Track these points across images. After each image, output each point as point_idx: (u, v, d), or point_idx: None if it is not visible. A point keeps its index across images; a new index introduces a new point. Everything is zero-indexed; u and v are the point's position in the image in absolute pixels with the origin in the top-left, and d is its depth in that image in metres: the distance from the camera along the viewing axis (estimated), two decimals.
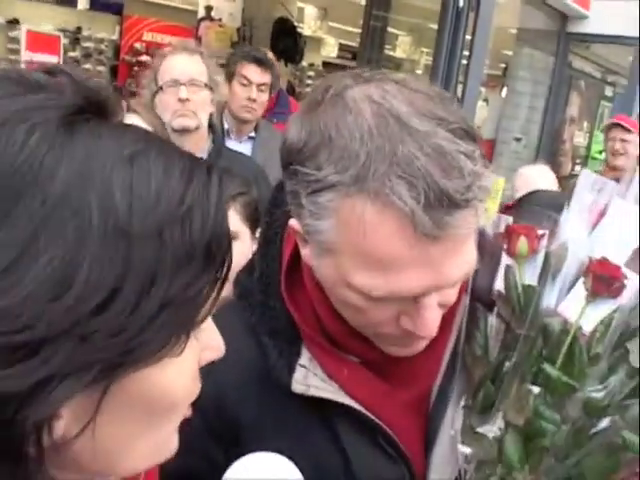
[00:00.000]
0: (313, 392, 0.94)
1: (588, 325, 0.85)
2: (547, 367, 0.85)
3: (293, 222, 0.89)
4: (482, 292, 0.95)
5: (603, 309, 0.84)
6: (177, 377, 0.58)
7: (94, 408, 0.53)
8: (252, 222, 1.83)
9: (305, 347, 0.97)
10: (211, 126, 2.69)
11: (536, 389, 0.87)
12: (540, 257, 0.91)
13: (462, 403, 0.96)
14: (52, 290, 0.49)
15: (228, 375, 0.97)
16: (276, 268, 0.99)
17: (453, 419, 0.96)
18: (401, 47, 11.74)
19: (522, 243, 0.91)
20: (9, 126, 0.51)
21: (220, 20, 8.44)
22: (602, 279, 0.83)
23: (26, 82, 0.55)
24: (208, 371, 1.00)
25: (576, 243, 0.90)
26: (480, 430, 0.91)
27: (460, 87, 5.69)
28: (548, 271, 0.89)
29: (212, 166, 0.59)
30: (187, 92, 2.50)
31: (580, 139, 8.10)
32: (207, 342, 0.63)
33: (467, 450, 0.93)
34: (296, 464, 0.94)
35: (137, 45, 11.96)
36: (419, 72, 11.59)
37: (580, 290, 0.87)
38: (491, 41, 6.01)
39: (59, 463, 0.54)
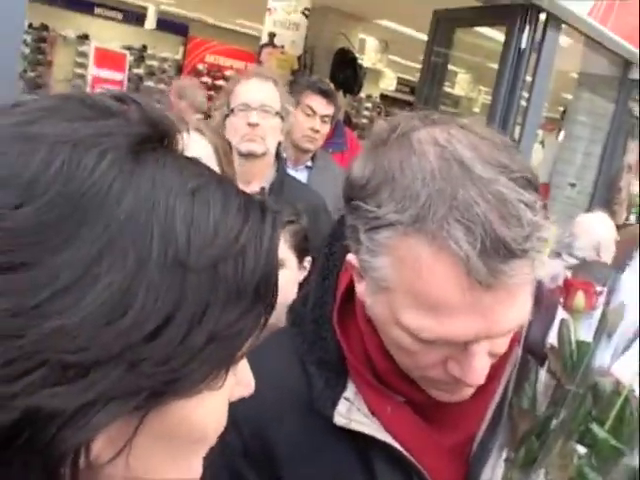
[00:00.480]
0: (354, 426, 0.94)
1: None
2: (595, 427, 0.83)
3: (351, 257, 0.90)
4: (535, 345, 0.94)
5: None
6: (212, 411, 0.59)
7: (130, 434, 0.53)
8: (300, 251, 1.84)
9: (351, 381, 0.97)
10: (278, 154, 2.70)
11: (582, 449, 0.85)
12: (597, 314, 0.89)
13: (504, 455, 0.94)
14: (109, 314, 0.49)
15: (270, 399, 0.98)
16: (330, 300, 1.00)
17: (494, 471, 0.94)
18: (460, 84, 11.72)
19: (579, 298, 0.90)
20: (81, 149, 0.52)
21: (282, 47, 8.54)
22: None
23: (98, 107, 0.56)
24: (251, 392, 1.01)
25: (635, 303, 0.88)
26: None
27: (518, 128, 5.66)
28: (604, 329, 0.88)
29: (266, 206, 0.60)
30: (257, 117, 2.49)
31: (637, 188, 7.96)
32: (240, 378, 0.64)
33: None
34: None
35: (199, 66, 12.25)
36: (476, 110, 11.54)
37: (635, 352, 0.85)
38: (551, 84, 5.97)
39: None
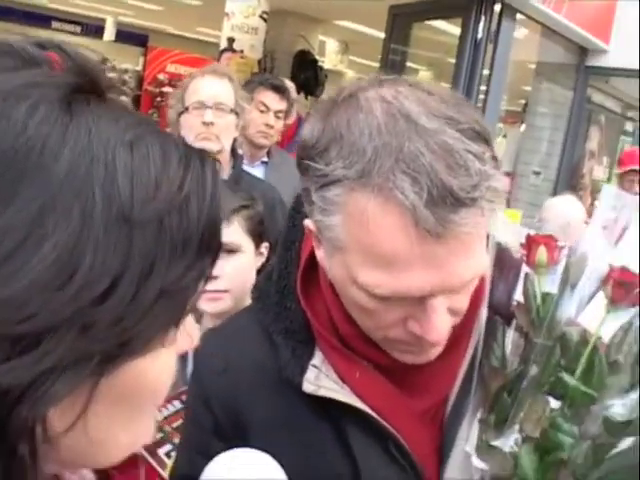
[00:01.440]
0: (323, 392, 0.94)
1: (608, 335, 0.83)
2: (565, 376, 0.83)
3: (308, 221, 0.90)
4: (501, 305, 0.94)
5: (623, 319, 0.83)
6: (165, 367, 0.58)
7: (85, 401, 0.51)
8: (256, 236, 1.82)
9: (318, 349, 0.97)
10: (234, 151, 2.70)
11: (554, 403, 0.85)
12: (560, 268, 0.90)
13: (478, 417, 0.94)
14: (57, 277, 0.47)
15: (241, 375, 0.99)
16: (294, 270, 1.01)
17: (468, 433, 0.94)
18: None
19: (541, 253, 0.90)
20: (10, 102, 0.49)
21: (242, 51, 8.53)
22: (622, 286, 0.82)
23: (20, 55, 0.53)
24: (222, 370, 1.01)
25: (597, 254, 0.89)
26: (495, 444, 0.89)
27: None
28: (567, 281, 0.88)
29: (206, 155, 0.59)
30: (212, 116, 2.51)
31: (600, 173, 8.07)
32: (185, 333, 0.62)
33: (482, 465, 0.91)
34: (304, 467, 0.93)
35: (160, 76, 12.14)
36: None
37: (600, 301, 0.86)
38: (510, 76, 6.02)
39: (48, 457, 0.53)
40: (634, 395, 0.81)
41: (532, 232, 0.95)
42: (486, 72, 5.53)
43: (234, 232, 1.74)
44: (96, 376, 0.51)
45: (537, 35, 6.80)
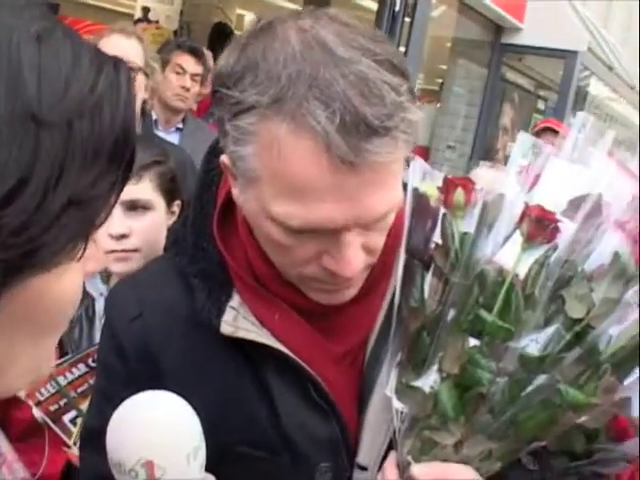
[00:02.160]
0: (242, 334, 0.92)
1: (524, 272, 0.84)
2: (483, 313, 0.84)
3: (223, 157, 0.88)
4: (419, 250, 0.94)
5: (539, 256, 0.84)
6: (70, 285, 0.54)
7: None
8: (167, 192, 1.71)
9: (236, 291, 0.95)
10: (143, 112, 2.62)
11: (473, 340, 0.86)
12: (477, 209, 0.90)
13: (397, 360, 0.94)
14: None
15: (155, 320, 0.96)
16: (210, 212, 0.98)
17: (388, 377, 0.94)
18: None
19: (459, 194, 0.90)
20: None
21: (157, 22, 8.32)
22: (537, 222, 0.83)
23: None
24: (135, 316, 0.98)
25: (512, 196, 0.89)
26: (415, 384, 0.90)
27: None
28: (484, 221, 0.88)
29: (120, 61, 0.55)
30: None
31: (513, 149, 8.28)
32: (92, 252, 0.57)
33: (401, 406, 0.91)
34: (221, 411, 0.91)
35: None
36: None
37: (516, 240, 0.87)
38: (426, 54, 6.09)
39: None
40: (549, 330, 0.82)
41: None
42: (402, 49, 5.56)
43: (144, 189, 1.63)
44: None
45: (454, 12, 6.90)
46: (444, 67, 8.25)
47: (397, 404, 0.91)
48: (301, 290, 0.92)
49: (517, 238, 0.86)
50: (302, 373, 0.93)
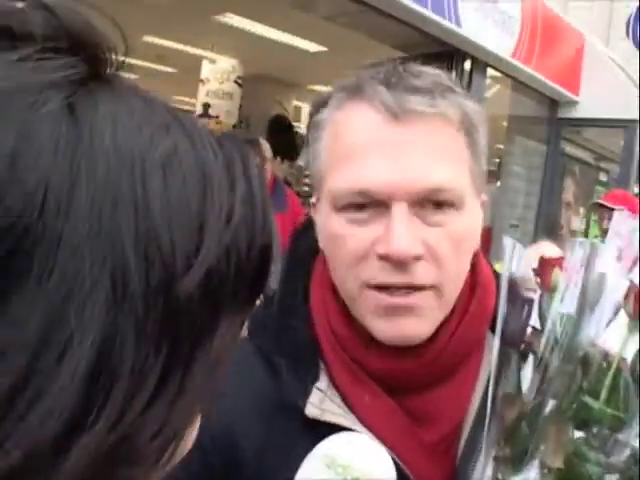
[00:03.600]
0: (328, 417, 0.87)
1: (631, 355, 0.78)
2: (589, 400, 0.78)
3: (312, 199, 0.96)
4: (514, 337, 0.89)
5: None
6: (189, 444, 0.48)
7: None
8: None
9: (324, 372, 0.92)
10: None
11: (578, 434, 0.79)
12: (577, 289, 0.85)
13: (493, 454, 0.87)
14: (83, 410, 0.33)
15: (237, 405, 0.93)
16: (301, 287, 0.98)
17: (484, 473, 0.87)
18: None
19: (557, 274, 0.86)
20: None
21: (217, 117, 8.60)
22: None
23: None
24: (220, 395, 0.93)
25: (614, 274, 0.84)
26: None
27: None
28: (586, 302, 0.83)
29: (247, 154, 0.45)
30: None
31: (577, 224, 8.12)
32: None
33: None
34: None
35: None
36: None
37: (622, 321, 0.81)
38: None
39: None
40: None
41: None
42: None
43: None
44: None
45: (508, 90, 6.93)
46: (501, 146, 8.24)
47: None
48: (376, 349, 0.89)
49: (622, 319, 0.81)
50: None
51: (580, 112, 7.13)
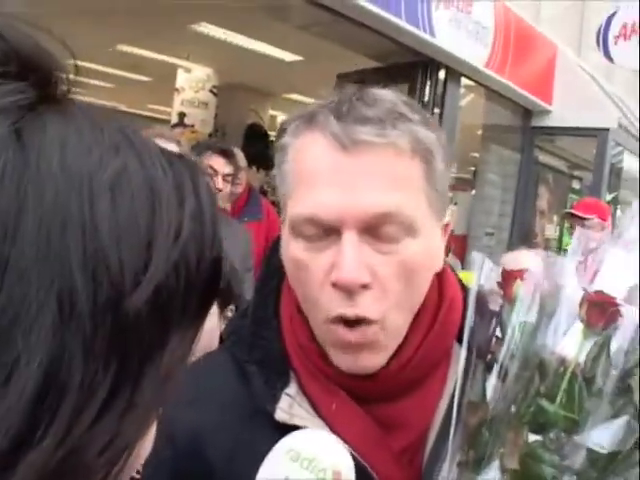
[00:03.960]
0: (297, 421, 0.90)
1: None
2: (544, 403, 0.80)
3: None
4: (480, 348, 0.91)
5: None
6: (150, 442, 0.47)
7: None
8: (221, 297, 1.68)
9: (294, 380, 0.95)
10: None
11: (533, 436, 0.80)
12: (536, 300, 0.87)
13: (457, 460, 0.89)
14: (31, 426, 0.34)
15: (209, 408, 0.96)
16: (271, 302, 1.01)
17: (448, 477, 0.89)
18: None
19: (518, 286, 0.88)
20: None
21: (192, 126, 8.58)
22: (597, 306, 0.79)
23: None
24: (191, 400, 0.96)
25: (572, 286, 0.86)
26: None
27: None
28: (543, 311, 0.86)
29: (196, 169, 0.45)
30: None
31: (551, 232, 8.21)
32: None
33: None
34: None
35: None
36: None
37: (577, 330, 0.83)
38: (458, 143, 6.15)
39: None
40: (619, 422, 0.76)
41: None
42: None
43: None
44: None
45: (482, 99, 6.99)
46: (476, 155, 8.31)
47: None
48: (329, 354, 0.92)
49: (578, 327, 0.83)
50: (359, 470, 0.88)
51: (553, 121, 7.21)
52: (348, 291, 0.85)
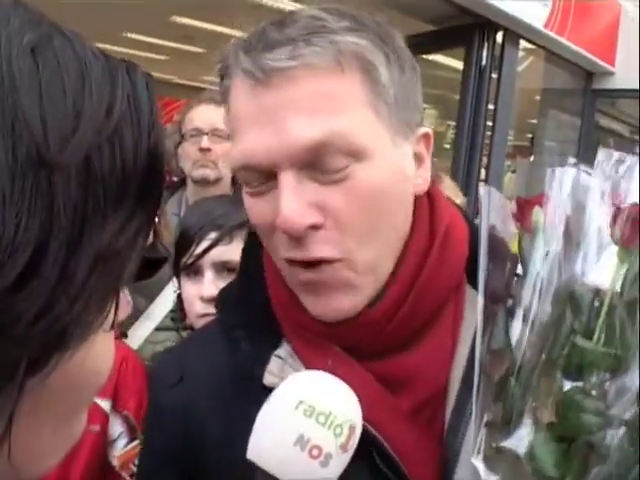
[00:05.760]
0: None
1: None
2: (580, 341, 0.69)
3: None
4: (498, 293, 0.79)
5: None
6: (103, 353, 0.46)
7: (8, 415, 0.39)
8: None
9: (285, 340, 0.87)
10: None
11: (569, 383, 0.70)
12: (561, 223, 0.76)
13: (484, 420, 0.76)
14: None
15: (195, 383, 0.91)
16: (257, 264, 0.93)
17: (475, 442, 0.76)
18: (427, 120, 11.81)
19: (537, 213, 0.78)
20: None
21: None
22: (633, 222, 0.69)
23: None
24: (176, 381, 0.92)
25: (599, 207, 0.76)
26: (506, 444, 0.72)
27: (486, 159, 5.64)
28: (569, 238, 0.75)
29: (133, 65, 0.45)
30: (209, 142, 2.39)
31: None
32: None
33: (492, 477, 0.73)
34: None
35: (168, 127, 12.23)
36: (447, 146, 11.67)
37: (611, 253, 0.72)
38: (515, 108, 5.99)
39: None
40: None
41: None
42: (491, 107, 5.48)
43: (236, 250, 1.58)
44: (21, 383, 0.38)
45: (541, 62, 6.79)
46: (534, 121, 8.11)
47: (485, 475, 0.74)
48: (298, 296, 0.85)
49: (612, 251, 0.72)
50: (364, 434, 0.78)
51: (615, 83, 6.96)
52: (296, 235, 0.77)
